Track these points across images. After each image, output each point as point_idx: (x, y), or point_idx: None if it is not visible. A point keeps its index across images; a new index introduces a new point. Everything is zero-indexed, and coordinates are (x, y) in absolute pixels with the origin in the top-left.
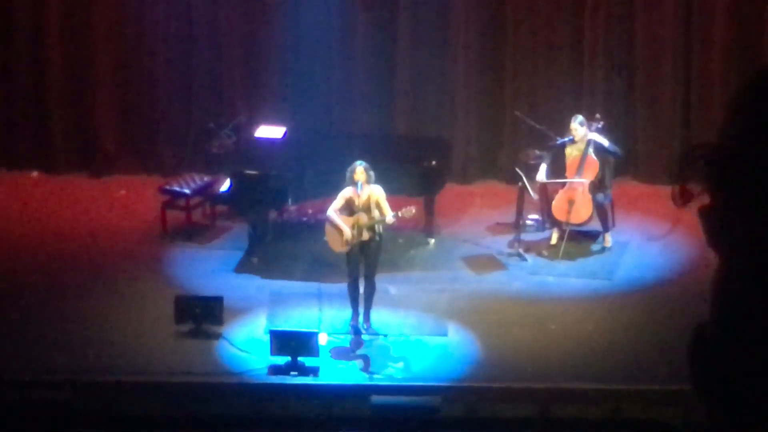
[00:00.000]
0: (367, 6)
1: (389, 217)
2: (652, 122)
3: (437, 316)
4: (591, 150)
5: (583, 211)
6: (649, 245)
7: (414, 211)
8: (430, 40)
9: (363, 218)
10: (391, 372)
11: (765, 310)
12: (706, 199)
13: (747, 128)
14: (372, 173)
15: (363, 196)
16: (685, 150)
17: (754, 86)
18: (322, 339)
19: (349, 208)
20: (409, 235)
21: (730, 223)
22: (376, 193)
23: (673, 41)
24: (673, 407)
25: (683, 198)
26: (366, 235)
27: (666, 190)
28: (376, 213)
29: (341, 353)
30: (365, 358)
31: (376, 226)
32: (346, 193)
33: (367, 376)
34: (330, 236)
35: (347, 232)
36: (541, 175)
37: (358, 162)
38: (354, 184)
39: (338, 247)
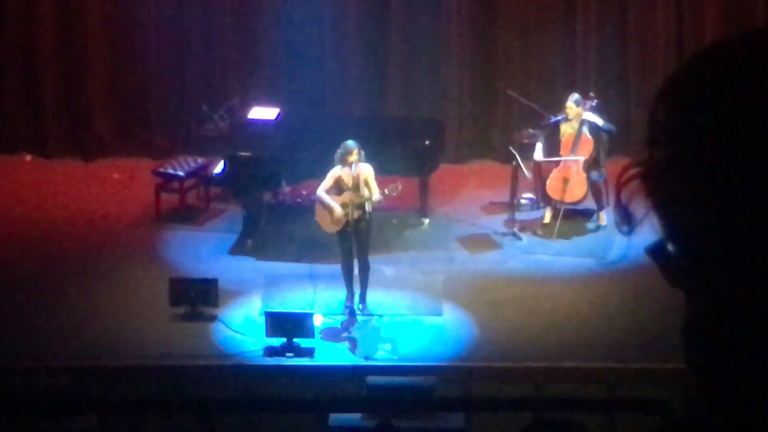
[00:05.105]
0: None
1: (376, 195)
2: (645, 99)
3: (432, 296)
4: (585, 129)
5: (577, 190)
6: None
7: (400, 188)
8: (422, 20)
9: (352, 197)
10: (387, 352)
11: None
12: (653, 219)
13: (675, 131)
14: (362, 152)
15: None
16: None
17: (679, 82)
18: (318, 320)
19: (338, 188)
20: (404, 216)
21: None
22: (365, 171)
23: (666, 17)
24: (668, 386)
25: (628, 224)
26: (355, 214)
27: None
28: (365, 191)
29: (337, 334)
30: (361, 339)
31: (366, 205)
32: (335, 172)
33: (362, 356)
34: (320, 216)
35: (338, 211)
36: (538, 154)
37: (351, 143)
38: (348, 165)
39: (329, 227)
